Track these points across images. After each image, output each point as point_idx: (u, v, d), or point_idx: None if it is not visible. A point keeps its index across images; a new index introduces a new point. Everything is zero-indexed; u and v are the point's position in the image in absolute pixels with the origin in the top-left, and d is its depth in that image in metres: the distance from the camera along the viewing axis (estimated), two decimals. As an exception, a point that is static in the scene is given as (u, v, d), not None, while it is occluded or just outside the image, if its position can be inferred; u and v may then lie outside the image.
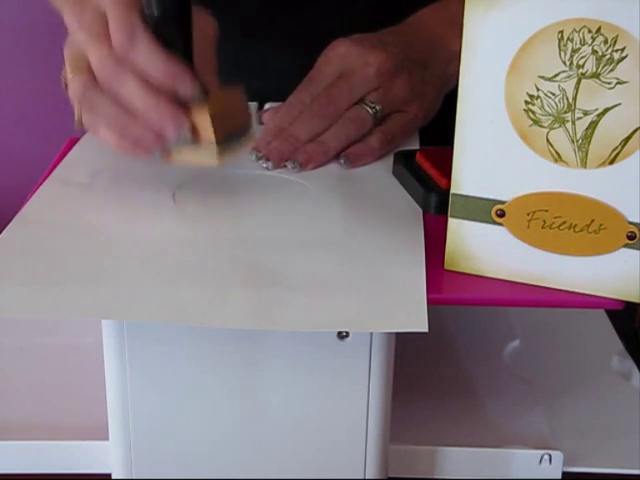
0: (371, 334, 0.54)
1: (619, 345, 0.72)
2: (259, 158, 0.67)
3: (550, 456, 0.59)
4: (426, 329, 0.49)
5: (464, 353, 0.71)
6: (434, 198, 0.62)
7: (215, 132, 0.58)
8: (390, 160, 0.68)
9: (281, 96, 0.72)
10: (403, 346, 0.57)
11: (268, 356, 0.55)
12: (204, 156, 0.59)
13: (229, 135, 0.60)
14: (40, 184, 0.64)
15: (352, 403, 0.56)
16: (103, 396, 0.56)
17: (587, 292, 0.53)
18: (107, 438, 0.58)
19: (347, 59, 0.70)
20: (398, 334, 0.55)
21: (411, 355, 0.67)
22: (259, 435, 0.56)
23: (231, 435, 0.57)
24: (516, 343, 0.71)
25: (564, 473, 0.60)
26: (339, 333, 0.54)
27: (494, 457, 0.60)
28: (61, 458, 0.60)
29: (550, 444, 0.60)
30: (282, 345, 0.54)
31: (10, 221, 0.59)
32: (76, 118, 0.60)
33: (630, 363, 0.70)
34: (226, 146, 0.59)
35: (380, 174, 0.67)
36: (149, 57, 0.57)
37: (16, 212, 0.60)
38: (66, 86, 0.61)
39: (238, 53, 0.88)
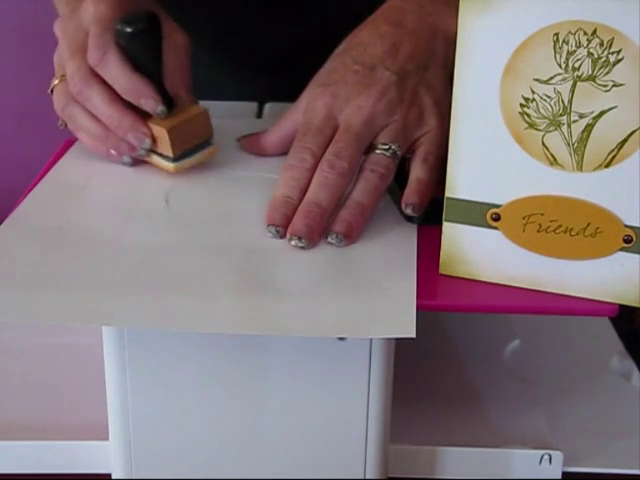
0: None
1: (619, 345, 0.72)
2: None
3: (550, 456, 0.59)
4: (413, 335, 0.49)
5: (464, 353, 0.70)
6: None
7: (172, 146, 0.63)
8: None
9: (281, 96, 0.72)
10: (403, 346, 0.57)
11: (268, 356, 0.55)
12: (164, 165, 0.65)
13: (189, 149, 0.64)
14: (34, 186, 0.64)
15: (352, 403, 0.56)
16: (103, 396, 0.57)
17: (584, 296, 0.53)
18: (107, 438, 0.58)
19: (336, 105, 0.61)
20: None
21: (411, 355, 0.66)
22: (259, 435, 0.57)
23: (231, 435, 0.57)
24: (516, 343, 0.71)
25: (564, 473, 0.60)
26: (337, 334, 0.54)
27: (494, 457, 0.60)
28: (61, 458, 0.60)
29: (550, 444, 0.60)
30: (282, 345, 0.54)
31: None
32: (60, 121, 0.67)
33: (630, 363, 0.70)
34: (182, 159, 0.64)
35: None
36: (116, 74, 0.63)
37: (16, 213, 0.61)
38: (52, 91, 0.67)
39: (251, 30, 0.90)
